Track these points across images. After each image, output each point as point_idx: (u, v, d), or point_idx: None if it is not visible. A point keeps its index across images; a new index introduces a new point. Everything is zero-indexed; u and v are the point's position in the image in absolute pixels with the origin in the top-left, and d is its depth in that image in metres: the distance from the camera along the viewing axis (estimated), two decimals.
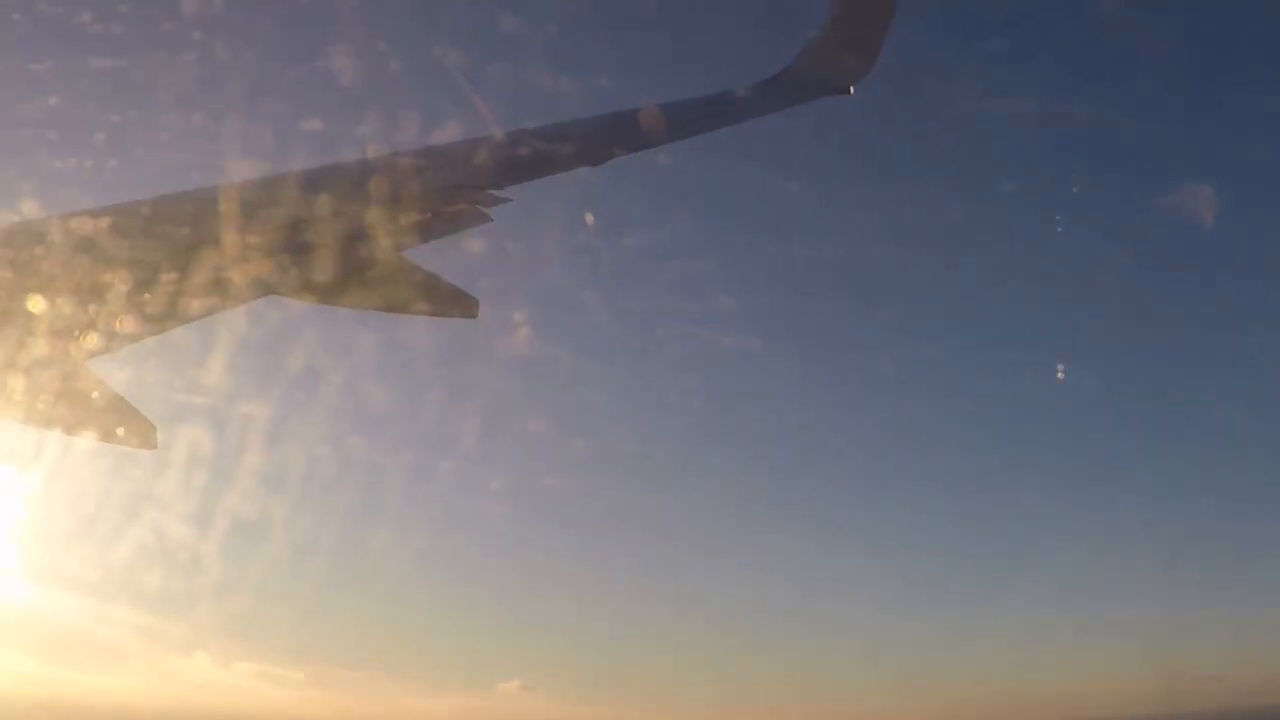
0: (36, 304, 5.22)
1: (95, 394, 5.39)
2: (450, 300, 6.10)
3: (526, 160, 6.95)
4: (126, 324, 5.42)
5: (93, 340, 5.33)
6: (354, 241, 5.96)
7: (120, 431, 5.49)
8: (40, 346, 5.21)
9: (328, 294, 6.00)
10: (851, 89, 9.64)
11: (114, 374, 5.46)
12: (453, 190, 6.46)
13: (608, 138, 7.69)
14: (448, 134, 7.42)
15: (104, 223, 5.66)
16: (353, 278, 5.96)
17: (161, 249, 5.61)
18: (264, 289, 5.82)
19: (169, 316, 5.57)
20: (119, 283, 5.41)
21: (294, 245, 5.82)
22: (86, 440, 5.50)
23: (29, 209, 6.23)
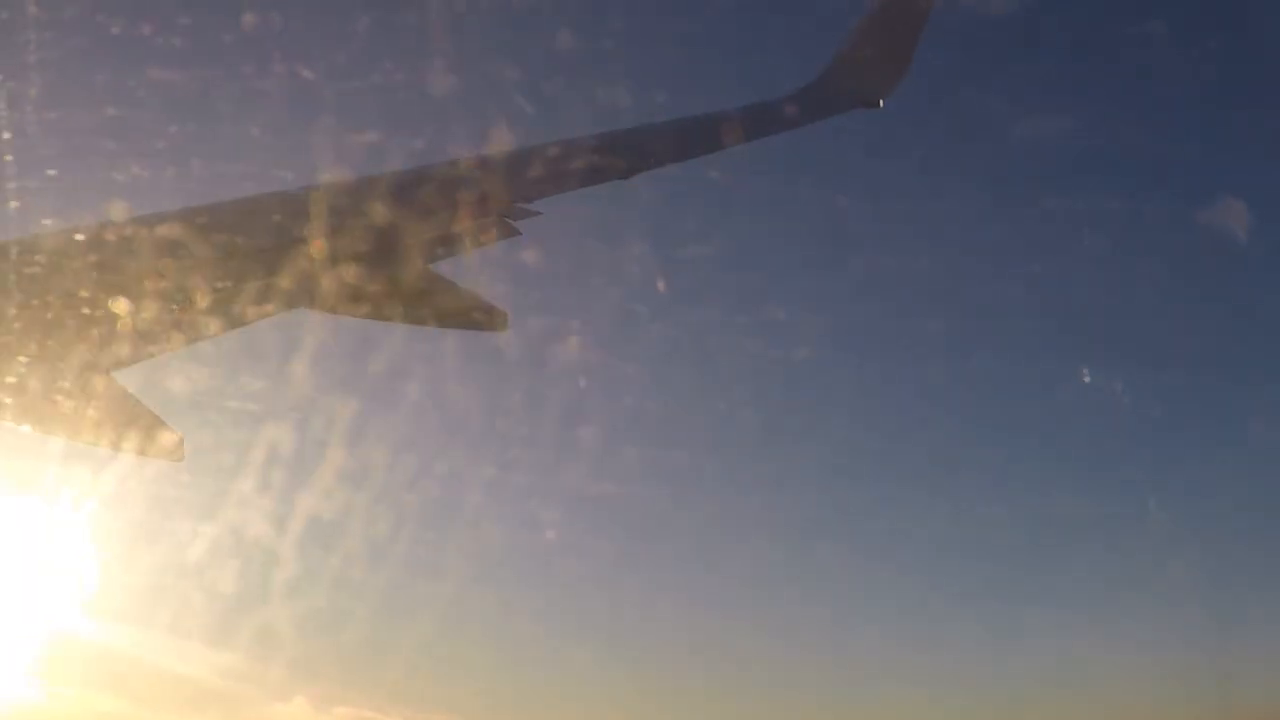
0: (62, 313, 5.18)
1: (121, 405, 5.36)
2: (480, 313, 6.06)
3: (556, 173, 6.91)
4: (152, 335, 5.39)
5: (118, 351, 5.30)
6: (382, 254, 5.92)
7: (146, 443, 5.46)
8: (66, 356, 5.18)
9: (356, 307, 5.98)
10: (881, 102, 9.60)
11: (140, 385, 5.43)
12: (481, 203, 6.42)
13: (637, 150, 7.65)
14: (476, 146, 7.37)
15: (130, 232, 5.64)
16: (381, 291, 5.93)
17: (188, 260, 5.58)
18: (292, 302, 5.80)
19: (196, 328, 5.54)
20: (145, 293, 5.38)
21: (322, 258, 5.79)
22: (125, 457, 5.47)
23: (54, 217, 6.20)
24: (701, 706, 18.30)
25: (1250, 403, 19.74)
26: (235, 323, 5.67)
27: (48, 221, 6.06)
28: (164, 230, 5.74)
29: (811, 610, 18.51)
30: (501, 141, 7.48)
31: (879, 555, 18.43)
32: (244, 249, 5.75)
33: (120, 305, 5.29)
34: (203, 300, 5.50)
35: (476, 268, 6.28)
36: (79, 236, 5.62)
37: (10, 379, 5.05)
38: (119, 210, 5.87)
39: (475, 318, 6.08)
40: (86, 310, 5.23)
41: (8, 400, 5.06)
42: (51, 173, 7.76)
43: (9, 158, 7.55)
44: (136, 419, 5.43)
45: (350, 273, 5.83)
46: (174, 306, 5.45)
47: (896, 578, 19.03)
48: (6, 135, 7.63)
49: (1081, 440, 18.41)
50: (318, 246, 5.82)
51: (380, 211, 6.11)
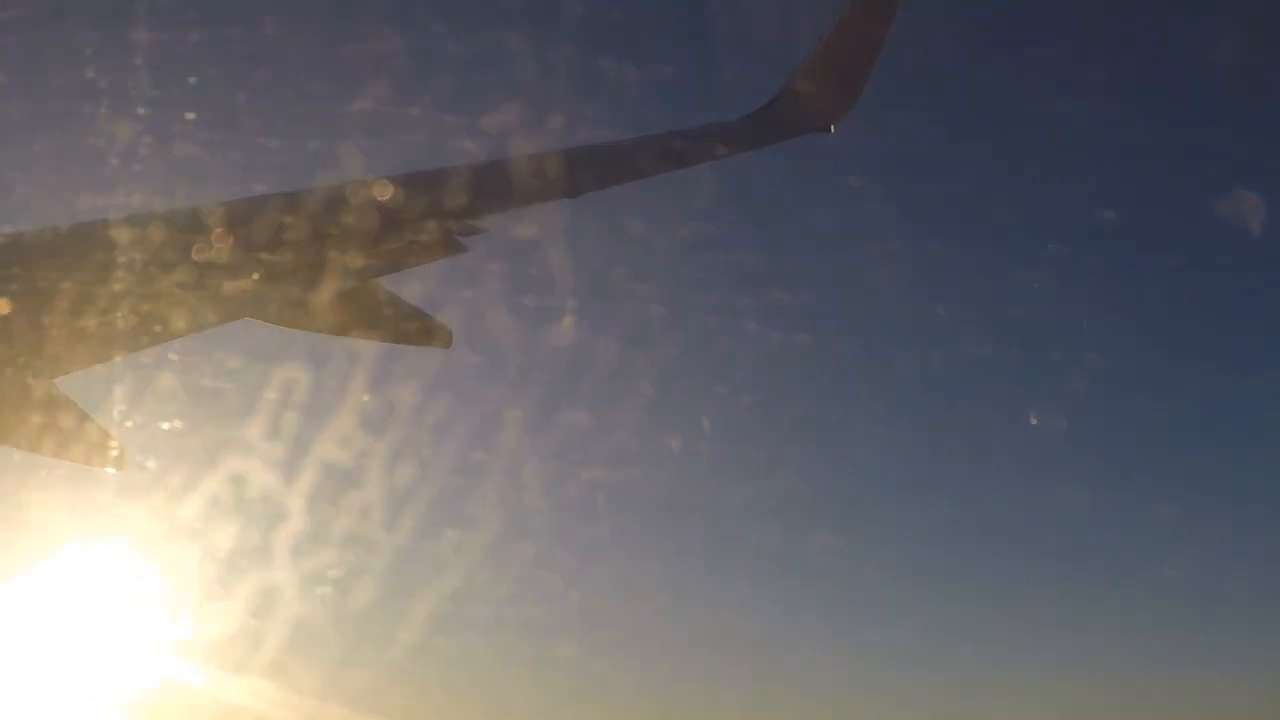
0: (4, 318, 5.15)
1: (63, 412, 5.35)
2: (424, 329, 6.10)
3: (503, 190, 6.93)
4: (98, 343, 5.38)
5: (62, 358, 5.29)
6: (328, 267, 5.94)
7: (88, 451, 5.46)
8: (8, 362, 5.17)
9: (302, 319, 5.99)
10: (833, 128, 9.67)
11: (83, 393, 5.43)
12: (429, 219, 6.43)
13: (587, 169, 7.68)
14: (426, 161, 7.40)
15: (74, 238, 5.59)
16: (327, 304, 5.95)
17: (133, 268, 5.55)
18: (238, 312, 5.80)
19: (141, 337, 5.54)
20: (90, 300, 5.36)
21: (268, 269, 5.79)
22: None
23: None
24: (691, 709, 18.26)
25: (1254, 398, 19.98)
26: (180, 332, 5.67)
27: None
28: (109, 237, 5.72)
29: (797, 616, 18.54)
30: (451, 157, 7.51)
31: (864, 558, 18.47)
32: (190, 258, 5.73)
33: (65, 312, 5.27)
34: (148, 309, 5.49)
35: (422, 284, 6.31)
36: (20, 241, 5.59)
37: None
38: (62, 215, 5.85)
39: (420, 333, 6.12)
40: (30, 316, 5.21)
41: None
42: None
43: None
44: (79, 427, 5.42)
45: (296, 285, 5.85)
46: (119, 314, 5.44)
47: (891, 573, 19.09)
48: None
49: (1070, 450, 18.51)
50: (264, 258, 5.83)
51: (327, 224, 6.12)
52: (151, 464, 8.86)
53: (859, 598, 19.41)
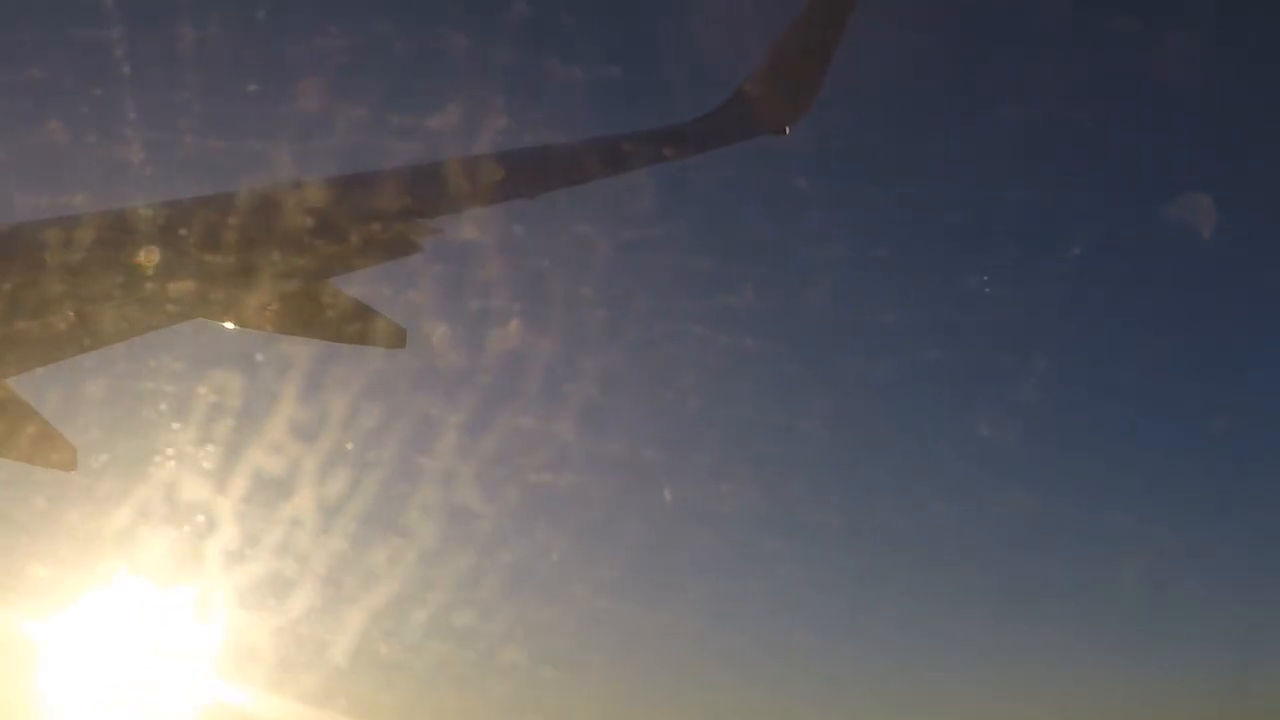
0: None
1: (14, 412, 5.33)
2: (377, 330, 6.11)
3: (457, 190, 6.93)
4: (48, 342, 5.36)
5: (12, 357, 5.27)
6: (281, 267, 5.94)
7: (39, 452, 5.44)
8: None
9: (255, 318, 5.99)
10: (788, 129, 9.73)
11: (35, 394, 5.40)
12: (382, 218, 6.44)
13: (543, 170, 7.71)
14: (381, 161, 7.40)
15: (23, 236, 5.56)
16: (280, 303, 5.95)
17: (84, 266, 5.53)
18: (190, 312, 5.79)
19: (92, 336, 5.51)
20: (40, 299, 5.34)
21: (220, 268, 5.79)
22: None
23: None
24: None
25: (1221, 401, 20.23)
26: (133, 332, 5.65)
27: None
28: (59, 234, 5.69)
29: (740, 623, 18.57)
30: (407, 156, 7.51)
31: (819, 563, 18.53)
32: (140, 256, 5.71)
33: (13, 311, 5.25)
34: (99, 308, 5.47)
35: (377, 283, 6.32)
36: None
37: None
38: (11, 212, 5.82)
39: (373, 334, 6.12)
40: None
41: None
42: None
43: None
44: (30, 427, 5.40)
45: (249, 284, 5.84)
46: (70, 313, 5.41)
47: (875, 577, 19.15)
48: None
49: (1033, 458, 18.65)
50: (216, 257, 5.82)
51: (280, 223, 6.11)
52: (104, 464, 8.83)
53: (816, 603, 19.49)
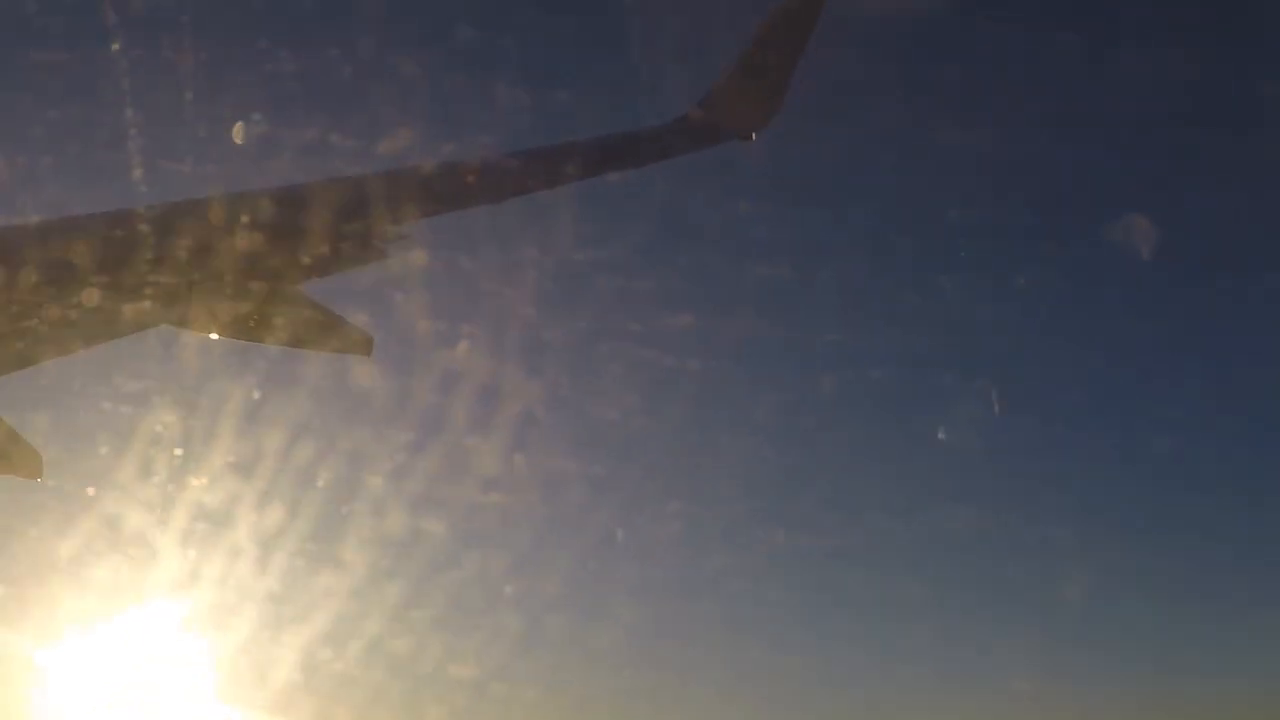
0: None
1: None
2: (344, 337, 6.10)
3: (426, 195, 6.94)
4: (13, 350, 5.34)
5: None
6: (248, 273, 5.93)
7: (5, 460, 5.41)
8: None
9: (221, 326, 5.98)
10: (754, 136, 9.76)
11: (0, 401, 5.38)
12: (349, 225, 6.44)
13: (508, 176, 7.71)
14: (348, 168, 7.39)
15: None
16: (247, 311, 5.94)
17: (48, 274, 5.51)
18: (157, 319, 5.77)
19: (58, 343, 5.50)
20: (6, 306, 5.32)
21: (186, 274, 5.77)
22: None
23: None
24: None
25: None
26: (98, 339, 5.63)
27: None
28: (24, 241, 5.67)
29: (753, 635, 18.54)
30: (374, 163, 7.50)
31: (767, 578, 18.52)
32: (108, 263, 5.70)
33: None
34: (64, 315, 5.45)
35: (344, 291, 6.31)
36: None
37: None
38: None
39: (340, 341, 6.12)
40: None
41: None
42: None
43: None
44: None
45: (215, 291, 5.83)
46: (34, 321, 5.40)
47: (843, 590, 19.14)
48: None
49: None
50: (182, 263, 5.81)
51: (248, 231, 6.10)
52: (69, 471, 8.78)
53: (785, 617, 19.50)
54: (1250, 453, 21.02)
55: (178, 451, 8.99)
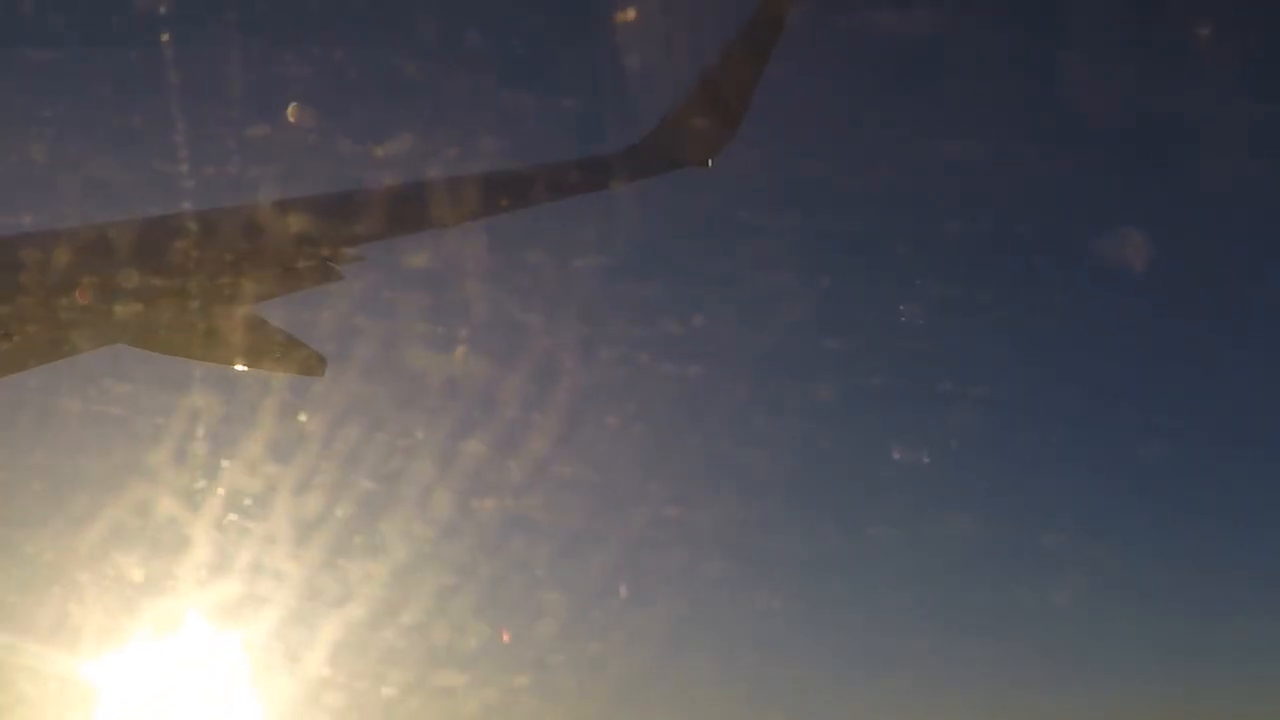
0: None
1: None
2: (297, 357, 6.11)
3: (381, 218, 6.94)
4: None
5: None
6: (201, 292, 5.92)
7: (289, 361, 5.48)
8: None
9: (174, 345, 5.97)
10: (710, 162, 9.79)
11: None
12: (304, 245, 6.43)
13: (461, 200, 7.72)
14: (303, 188, 7.39)
15: None
16: (201, 330, 5.93)
17: (2, 290, 5.49)
18: (110, 337, 5.75)
19: (11, 361, 5.47)
20: None
21: (138, 293, 5.75)
22: None
23: None
24: None
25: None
26: (49, 357, 5.60)
27: None
28: None
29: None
30: (328, 184, 7.50)
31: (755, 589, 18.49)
32: (60, 280, 5.67)
33: None
34: (18, 332, 5.43)
35: (298, 312, 6.32)
36: None
37: None
38: None
39: (293, 361, 6.12)
40: None
41: None
42: None
43: None
44: None
45: (167, 310, 5.82)
46: None
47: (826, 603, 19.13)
48: None
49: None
50: (134, 282, 5.79)
51: (202, 249, 6.09)
52: (18, 490, 8.73)
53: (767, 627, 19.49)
54: (1247, 460, 21.18)
55: (126, 470, 8.95)
